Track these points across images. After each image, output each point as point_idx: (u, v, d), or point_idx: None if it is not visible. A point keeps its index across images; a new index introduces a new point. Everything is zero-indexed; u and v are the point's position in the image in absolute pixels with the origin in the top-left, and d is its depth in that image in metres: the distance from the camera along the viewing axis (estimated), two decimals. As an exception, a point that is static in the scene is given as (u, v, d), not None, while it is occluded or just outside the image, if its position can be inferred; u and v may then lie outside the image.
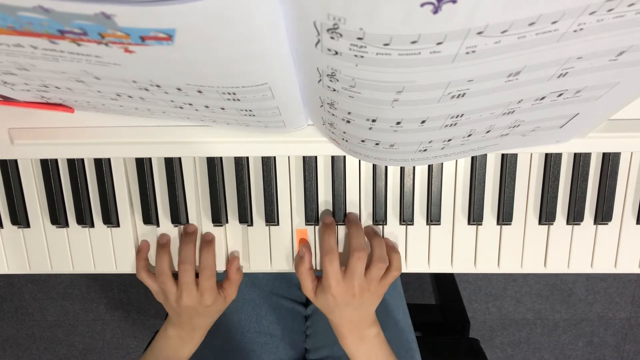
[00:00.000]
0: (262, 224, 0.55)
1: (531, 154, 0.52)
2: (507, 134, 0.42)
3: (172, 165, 0.53)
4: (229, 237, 0.56)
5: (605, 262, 0.54)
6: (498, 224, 0.54)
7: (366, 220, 0.54)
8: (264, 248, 0.55)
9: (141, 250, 0.55)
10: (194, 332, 0.56)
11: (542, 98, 0.34)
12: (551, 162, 0.51)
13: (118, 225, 0.55)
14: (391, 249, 0.54)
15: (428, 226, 0.54)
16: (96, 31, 0.25)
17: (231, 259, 0.56)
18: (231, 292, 0.56)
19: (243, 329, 0.65)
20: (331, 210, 0.54)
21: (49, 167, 0.53)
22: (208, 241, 0.55)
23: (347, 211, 0.54)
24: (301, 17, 0.25)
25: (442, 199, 0.53)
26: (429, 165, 0.52)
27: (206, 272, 0.53)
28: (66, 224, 0.56)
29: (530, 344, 1.44)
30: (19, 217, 0.55)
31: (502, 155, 0.52)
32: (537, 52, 0.27)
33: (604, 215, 0.53)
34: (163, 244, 0.55)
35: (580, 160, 0.52)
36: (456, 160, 0.52)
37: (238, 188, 0.53)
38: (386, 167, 0.52)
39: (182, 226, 0.55)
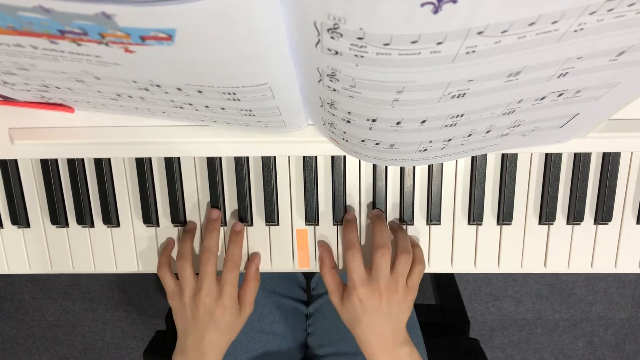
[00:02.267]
0: (262, 224, 0.55)
1: (531, 154, 0.52)
2: (507, 134, 0.42)
3: (172, 165, 0.53)
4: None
5: (605, 262, 0.54)
6: (498, 224, 0.54)
7: (366, 220, 0.54)
8: (264, 248, 0.55)
9: (166, 246, 0.55)
10: (204, 357, 0.50)
11: (542, 98, 0.34)
12: (551, 162, 0.51)
13: (118, 225, 0.55)
14: (413, 243, 0.53)
15: (428, 226, 0.54)
16: (96, 31, 0.25)
17: (252, 257, 0.55)
18: (247, 302, 0.52)
19: (245, 327, 0.65)
20: (331, 209, 0.54)
21: (49, 167, 0.53)
22: (237, 232, 0.53)
23: (374, 208, 0.53)
24: (301, 17, 0.25)
25: (442, 199, 0.53)
26: (429, 165, 0.52)
27: (230, 265, 0.51)
28: (66, 224, 0.56)
29: (530, 344, 1.44)
30: (19, 217, 0.55)
31: (502, 155, 0.52)
32: (537, 52, 0.27)
33: (604, 215, 0.53)
34: (189, 229, 0.54)
35: (580, 160, 0.52)
36: (456, 160, 0.52)
37: (238, 188, 0.53)
38: (386, 167, 0.52)
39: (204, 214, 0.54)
